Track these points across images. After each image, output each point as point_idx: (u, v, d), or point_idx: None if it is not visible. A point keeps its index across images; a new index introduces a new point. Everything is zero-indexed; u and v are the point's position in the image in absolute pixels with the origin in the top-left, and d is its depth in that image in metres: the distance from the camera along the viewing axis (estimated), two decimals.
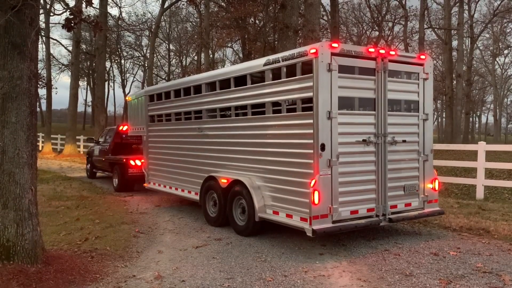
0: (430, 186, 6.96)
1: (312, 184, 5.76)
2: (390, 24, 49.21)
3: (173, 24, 47.65)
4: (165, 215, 8.88)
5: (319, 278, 5.02)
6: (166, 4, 34.98)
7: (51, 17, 29.41)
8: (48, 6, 28.04)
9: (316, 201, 5.71)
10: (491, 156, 12.88)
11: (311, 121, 5.87)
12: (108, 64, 52.08)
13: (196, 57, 45.44)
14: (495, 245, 6.27)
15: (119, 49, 49.07)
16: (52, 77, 33.55)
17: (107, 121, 30.52)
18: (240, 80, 7.38)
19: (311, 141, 5.87)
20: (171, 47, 50.95)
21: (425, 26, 32.93)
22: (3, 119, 4.75)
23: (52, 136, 31.89)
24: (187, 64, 51.63)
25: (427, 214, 6.92)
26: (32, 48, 4.86)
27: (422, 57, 6.93)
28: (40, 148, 32.93)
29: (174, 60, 52.98)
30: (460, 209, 8.97)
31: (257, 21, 36.27)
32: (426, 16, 35.02)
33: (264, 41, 33.01)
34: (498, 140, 57.00)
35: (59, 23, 31.68)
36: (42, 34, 30.07)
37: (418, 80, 6.86)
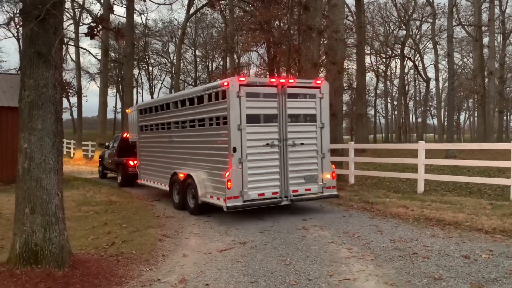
0: (328, 176, 9.25)
1: (227, 175, 8.22)
2: (418, 23, 48.37)
3: (199, 30, 48.16)
4: (191, 218, 8.93)
5: (345, 282, 4.93)
6: (192, 11, 35.37)
7: (80, 27, 30.25)
8: (77, 17, 28.80)
9: (230, 186, 8.14)
10: None
11: (227, 131, 8.31)
12: (136, 71, 53.18)
13: (222, 62, 45.80)
14: None
15: (146, 56, 49.92)
16: (82, 86, 34.43)
17: None
18: (191, 101, 9.81)
19: (227, 145, 8.30)
20: (197, 52, 51.53)
21: (454, 23, 32.13)
22: (29, 126, 4.87)
23: (83, 143, 32.64)
24: (213, 69, 52.07)
25: (324, 196, 9.33)
26: (56, 56, 4.97)
27: (318, 82, 9.30)
28: (72, 155, 33.81)
29: (200, 65, 53.52)
30: (493, 210, 8.66)
31: (281, 24, 36.23)
32: (455, 13, 34.21)
33: (289, 44, 32.94)
34: None
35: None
36: (72, 43, 30.93)
37: (315, 99, 9.18)
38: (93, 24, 5.31)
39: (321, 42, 18.40)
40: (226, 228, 7.89)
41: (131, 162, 14.55)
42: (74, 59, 33.84)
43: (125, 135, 15.82)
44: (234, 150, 8.21)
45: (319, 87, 9.20)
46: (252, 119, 8.50)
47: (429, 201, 9.89)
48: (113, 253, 6.18)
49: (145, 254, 6.24)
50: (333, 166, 9.50)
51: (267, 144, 8.61)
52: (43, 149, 4.87)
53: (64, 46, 5.34)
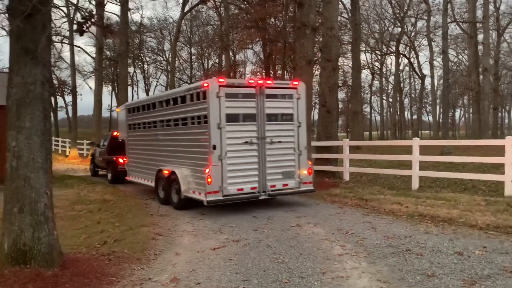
0: (305, 172, 9.63)
1: (207, 171, 8.59)
2: (413, 20, 48.37)
3: (194, 28, 47.98)
4: (185, 217, 8.87)
5: (337, 279, 4.89)
6: (186, 8, 35.21)
7: (74, 25, 30.01)
8: (71, 15, 28.60)
9: (210, 182, 8.53)
10: None
11: (207, 130, 8.68)
12: (131, 69, 52.96)
13: (217, 59, 45.67)
14: None
15: (141, 54, 49.72)
16: (77, 84, 34.24)
17: None
18: (175, 101, 10.19)
19: (208, 143, 8.69)
20: (193, 50, 51.34)
21: (449, 20, 32.15)
22: (17, 125, 4.80)
23: (78, 141, 32.49)
24: (209, 67, 51.94)
25: (301, 191, 9.75)
26: (44, 53, 4.90)
27: (295, 83, 9.72)
28: (67, 154, 33.64)
29: (196, 63, 53.35)
30: (487, 206, 8.65)
31: (277, 22, 36.14)
32: (450, 10, 34.22)
33: (284, 41, 32.86)
34: None
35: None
36: (67, 42, 30.71)
37: (293, 99, 9.59)
38: (82, 21, 5.24)
39: (316, 39, 18.36)
40: (220, 226, 7.85)
41: (120, 160, 14.98)
42: (69, 57, 33.63)
43: (115, 133, 16.07)
44: (214, 147, 8.63)
45: (296, 88, 9.64)
46: (232, 118, 8.85)
47: (423, 198, 9.88)
48: (105, 252, 6.12)
49: (137, 253, 6.18)
50: (310, 162, 9.98)
51: (246, 142, 9.01)
52: (31, 148, 4.80)
53: (52, 42, 5.25)
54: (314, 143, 14.78)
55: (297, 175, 9.57)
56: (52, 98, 46.11)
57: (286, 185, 9.47)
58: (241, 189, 8.91)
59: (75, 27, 4.90)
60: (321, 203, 10.09)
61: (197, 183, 9.08)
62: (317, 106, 20.91)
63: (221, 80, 8.79)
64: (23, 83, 4.80)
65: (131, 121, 13.20)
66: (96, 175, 18.36)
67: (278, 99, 9.49)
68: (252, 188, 9.05)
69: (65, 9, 29.43)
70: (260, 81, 9.30)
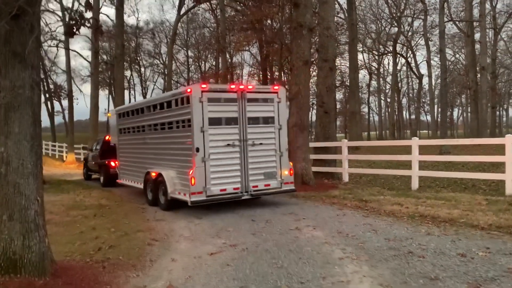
0: (286, 173, 10.01)
1: (191, 173, 8.93)
2: (410, 19, 48.35)
3: (191, 30, 47.88)
4: (182, 221, 8.72)
5: (338, 284, 4.75)
6: (182, 11, 35.07)
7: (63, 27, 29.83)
8: (66, 19, 28.47)
9: (193, 183, 8.88)
10: None
11: (191, 133, 9.04)
12: (128, 73, 52.80)
13: (214, 62, 45.54)
14: None
15: (138, 58, 49.58)
16: (75, 88, 34.07)
17: None
18: (161, 105, 10.55)
19: (191, 146, 9.03)
20: (190, 53, 51.23)
21: (446, 19, 32.10)
22: (5, 130, 4.65)
23: (75, 146, 32.29)
24: (206, 69, 51.83)
25: (283, 191, 10.10)
26: (33, 56, 4.75)
27: (276, 87, 10.13)
28: (64, 158, 33.44)
29: (193, 66, 53.24)
30: (488, 206, 8.53)
31: (273, 23, 36.05)
32: (446, 9, 34.18)
33: (281, 42, 32.76)
34: None
35: (78, 35, 32.19)
36: (62, 46, 30.58)
37: (274, 103, 9.95)
38: (72, 22, 5.10)
39: (312, 39, 18.25)
40: (217, 231, 7.70)
41: (112, 163, 15.30)
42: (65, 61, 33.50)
43: (107, 137, 16.32)
44: (197, 150, 8.98)
45: (276, 92, 10.04)
46: (214, 122, 9.21)
47: (423, 198, 9.76)
48: (99, 259, 5.96)
49: (132, 259, 6.03)
50: (291, 163, 10.44)
51: (228, 144, 9.37)
52: (21, 153, 4.65)
53: (41, 45, 5.07)
54: (312, 144, 14.66)
55: (279, 175, 9.92)
56: (49, 103, 45.93)
57: (268, 185, 9.81)
58: (224, 190, 9.26)
59: (65, 29, 4.74)
60: (320, 205, 9.95)
61: (182, 184, 9.40)
62: (315, 107, 20.77)
63: (203, 85, 9.17)
64: (12, 87, 4.65)
65: (121, 125, 13.53)
66: (90, 178, 18.62)
67: (259, 103, 9.84)
68: (234, 189, 9.39)
69: (60, 13, 29.27)
70: (242, 86, 9.73)
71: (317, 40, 18.00)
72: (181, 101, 9.52)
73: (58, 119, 53.19)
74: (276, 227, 7.75)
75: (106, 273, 5.38)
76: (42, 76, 42.03)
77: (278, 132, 9.98)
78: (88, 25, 4.85)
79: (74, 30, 5.05)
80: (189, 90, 9.13)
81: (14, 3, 4.28)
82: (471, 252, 5.62)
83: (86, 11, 4.74)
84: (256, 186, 9.64)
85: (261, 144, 9.73)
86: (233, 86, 9.59)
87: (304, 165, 12.96)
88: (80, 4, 4.80)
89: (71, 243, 7.07)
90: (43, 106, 45.27)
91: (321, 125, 14.95)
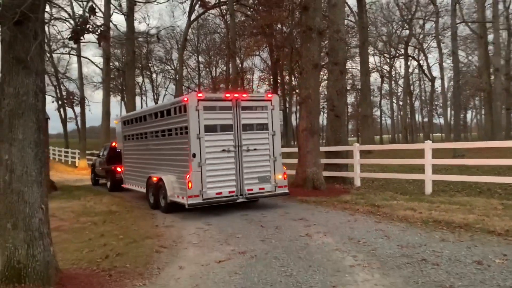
0: (280, 177, 10.37)
1: (187, 177, 9.39)
2: (421, 22, 47.92)
3: (201, 36, 48.01)
4: (191, 227, 8.63)
5: None
6: (193, 17, 35.19)
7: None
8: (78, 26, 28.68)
9: (190, 187, 9.33)
10: None
11: (187, 140, 9.51)
12: (140, 79, 53.12)
13: (225, 67, 45.58)
14: None
15: (149, 64, 49.84)
16: (87, 95, 34.30)
17: None
18: (162, 113, 10.99)
19: (188, 152, 9.47)
20: (201, 59, 51.37)
21: (458, 21, 31.71)
22: (10, 137, 4.61)
23: (87, 152, 32.48)
24: (217, 74, 51.92)
25: (277, 194, 10.42)
26: (37, 62, 4.71)
27: (269, 95, 10.60)
28: (76, 164, 33.67)
29: (203, 71, 53.37)
30: (505, 210, 8.30)
31: (284, 28, 35.99)
32: (458, 11, 33.77)
33: (291, 46, 32.67)
34: None
35: (89, 41, 32.45)
36: (74, 53, 30.80)
37: (267, 110, 10.36)
38: (77, 28, 5.05)
39: (323, 43, 18.11)
40: (226, 237, 7.58)
41: (118, 169, 15.69)
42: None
43: (113, 144, 16.87)
44: (194, 155, 9.44)
45: (270, 100, 10.46)
46: (210, 129, 9.67)
47: (437, 203, 9.55)
48: (106, 267, 5.89)
49: (139, 267, 5.94)
50: (285, 167, 10.74)
51: (224, 150, 9.81)
52: (25, 161, 4.61)
53: (44, 51, 5.03)
54: (323, 149, 14.50)
55: (273, 179, 10.33)
56: (62, 110, 46.35)
57: (263, 188, 10.20)
58: (220, 193, 9.71)
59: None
60: (331, 210, 9.79)
61: (180, 188, 9.84)
62: (325, 111, 20.60)
63: (199, 95, 9.70)
64: (16, 93, 4.62)
65: (126, 132, 14.15)
66: (97, 184, 19.10)
67: (253, 111, 10.26)
68: (230, 192, 9.81)
69: (72, 21, 29.50)
70: (236, 95, 10.05)
71: (327, 43, 17.87)
72: (178, 109, 9.97)
73: (71, 126, 53.68)
74: (286, 233, 7.61)
75: (112, 282, 5.30)
76: (55, 83, 42.50)
77: (272, 138, 10.38)
78: (91, 30, 4.80)
79: (79, 36, 5.00)
80: (185, 99, 9.61)
81: (16, 9, 4.24)
82: (487, 259, 5.42)
83: (90, 17, 4.66)
84: (251, 190, 10.04)
85: (255, 149, 10.15)
86: (228, 95, 10.01)
87: (315, 170, 12.80)
88: (84, 10, 4.71)
89: (79, 250, 7.02)
90: (56, 113, 45.76)
91: (332, 129, 14.78)
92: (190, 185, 9.36)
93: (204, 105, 9.60)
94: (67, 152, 38.35)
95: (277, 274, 5.37)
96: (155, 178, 10.97)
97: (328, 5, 15.14)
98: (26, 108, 4.64)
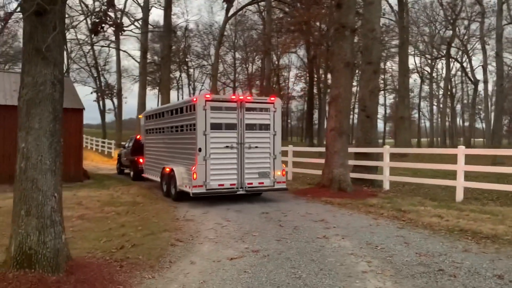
0: (279, 173, 11.26)
1: (193, 169, 10.43)
2: (466, 22, 46.20)
3: (239, 32, 48.16)
4: (210, 222, 8.64)
5: None
6: (230, 13, 35.29)
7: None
8: (118, 20, 29.37)
9: (195, 177, 10.36)
10: None
11: (195, 136, 10.54)
12: (177, 73, 53.90)
13: (261, 64, 45.57)
14: None
15: (186, 59, 50.46)
16: (126, 87, 35.08)
17: None
18: (176, 111, 12.13)
19: (195, 146, 10.50)
20: (237, 55, 51.58)
21: (504, 21, 30.34)
22: (27, 125, 4.71)
23: (122, 143, 33.21)
24: (253, 71, 52.01)
25: (275, 189, 11.39)
26: (55, 53, 4.79)
27: (272, 99, 11.41)
28: (112, 154, 34.52)
29: (239, 68, 53.57)
30: None
31: (321, 25, 35.54)
32: (506, 11, 32.28)
33: (328, 44, 32.24)
34: None
35: (128, 35, 33.11)
36: (114, 46, 31.55)
37: (270, 112, 11.28)
38: (97, 21, 5.12)
39: (355, 41, 17.74)
40: (242, 234, 7.54)
41: (141, 160, 16.66)
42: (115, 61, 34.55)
43: (138, 136, 18.11)
44: (200, 150, 10.46)
45: (273, 103, 11.35)
46: (215, 126, 10.67)
47: (467, 211, 9.15)
48: (119, 257, 5.96)
49: (152, 259, 5.98)
50: (284, 165, 11.74)
51: (227, 146, 10.77)
52: (40, 149, 4.70)
53: (65, 42, 5.16)
54: (351, 150, 14.21)
55: (272, 175, 11.22)
56: (101, 101, 47.66)
57: (262, 183, 11.12)
58: (222, 184, 10.69)
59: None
60: (355, 213, 9.56)
61: (188, 178, 10.80)
62: (356, 111, 20.21)
63: (207, 96, 10.80)
64: (34, 83, 4.72)
65: (147, 126, 15.36)
66: (122, 173, 20.36)
67: (257, 112, 11.18)
68: (231, 184, 10.78)
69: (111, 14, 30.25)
70: (241, 97, 11.09)
71: (361, 42, 17.48)
72: (189, 108, 11.07)
73: (111, 117, 55.18)
74: (303, 234, 7.48)
75: (122, 273, 5.34)
76: (96, 75, 43.75)
77: (273, 137, 11.30)
78: (111, 22, 4.85)
79: (99, 28, 5.06)
80: (194, 99, 10.72)
81: (36, 1, 4.31)
82: (509, 274, 5.13)
83: (108, 9, 4.70)
84: (251, 184, 10.97)
85: (256, 147, 11.08)
86: (233, 97, 11.04)
87: (341, 171, 12.55)
88: (103, 4, 4.76)
89: (97, 239, 7.15)
90: (95, 104, 47.10)
91: (363, 129, 14.46)
92: (195, 176, 10.37)
93: (211, 105, 10.60)
94: (104, 142, 39.39)
95: (286, 275, 5.27)
96: (168, 169, 12.07)
97: (364, 3, 14.77)
98: (43, 98, 4.73)
